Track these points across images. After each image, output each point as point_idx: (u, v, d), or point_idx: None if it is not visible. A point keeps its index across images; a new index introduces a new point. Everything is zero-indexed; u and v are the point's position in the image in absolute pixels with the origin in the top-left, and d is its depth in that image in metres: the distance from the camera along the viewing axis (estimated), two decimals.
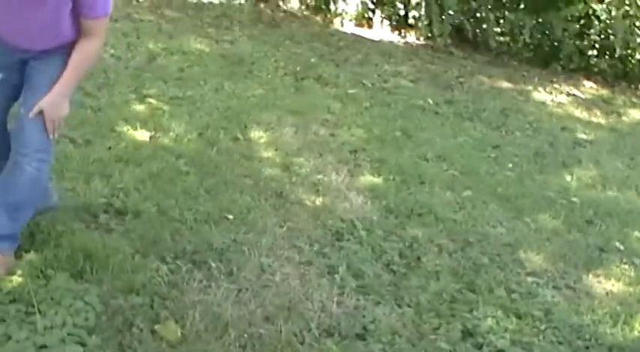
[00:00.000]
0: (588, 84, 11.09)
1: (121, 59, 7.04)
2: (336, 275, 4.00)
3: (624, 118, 9.10)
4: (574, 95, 9.70)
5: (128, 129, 5.33)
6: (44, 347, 2.83)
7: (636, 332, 4.08)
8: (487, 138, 7.02)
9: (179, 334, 3.17)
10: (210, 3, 11.11)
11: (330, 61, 8.77)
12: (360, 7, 11.57)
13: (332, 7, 11.69)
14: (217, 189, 4.70)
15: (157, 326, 3.19)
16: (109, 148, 4.93)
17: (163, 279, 3.56)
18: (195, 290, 3.56)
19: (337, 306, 3.73)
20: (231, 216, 4.38)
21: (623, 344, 3.93)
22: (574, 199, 5.81)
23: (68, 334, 2.95)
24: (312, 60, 8.51)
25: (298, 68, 8.01)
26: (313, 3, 11.73)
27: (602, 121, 8.71)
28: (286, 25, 10.61)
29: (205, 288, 3.59)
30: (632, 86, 11.56)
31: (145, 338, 3.10)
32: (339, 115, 6.74)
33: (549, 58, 11.70)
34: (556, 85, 10.32)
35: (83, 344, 2.92)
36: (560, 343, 3.82)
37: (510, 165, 6.35)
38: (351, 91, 7.60)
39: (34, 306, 3.04)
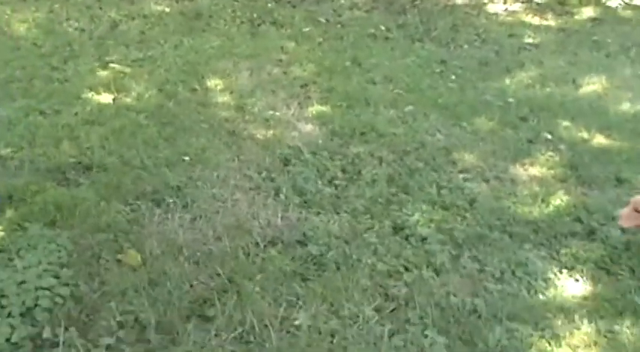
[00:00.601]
0: None
1: (84, 31, 7.51)
2: (281, 195, 4.53)
3: (575, 17, 9.44)
4: (529, 1, 10.01)
5: (93, 95, 5.85)
6: (23, 282, 3.41)
7: (552, 208, 4.61)
8: (434, 55, 7.45)
9: (139, 259, 3.75)
10: None
11: (287, 3, 9.15)
12: None
13: None
14: (175, 136, 5.23)
15: (120, 256, 3.77)
16: (76, 114, 5.46)
17: (125, 218, 4.13)
18: (154, 223, 4.13)
19: (281, 220, 4.28)
20: (187, 158, 4.92)
21: (539, 219, 4.46)
22: (510, 100, 6.28)
23: (44, 270, 3.52)
24: (269, 5, 8.90)
25: (255, 15, 8.42)
26: None
27: (552, 23, 9.07)
28: None
29: (163, 220, 4.16)
30: None
31: (110, 266, 3.68)
32: (292, 54, 7.20)
33: None
34: None
35: (57, 277, 3.51)
36: (480, 226, 4.34)
37: (453, 77, 6.81)
38: (305, 30, 8.03)
39: (14, 253, 3.61)
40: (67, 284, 3.46)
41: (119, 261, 3.73)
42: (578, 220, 4.48)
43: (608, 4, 10.32)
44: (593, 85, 6.87)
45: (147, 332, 3.27)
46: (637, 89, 6.81)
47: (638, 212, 3.90)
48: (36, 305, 3.28)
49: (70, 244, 3.79)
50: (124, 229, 4.00)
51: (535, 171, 5.08)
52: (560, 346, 3.37)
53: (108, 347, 3.15)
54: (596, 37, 8.44)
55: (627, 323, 3.53)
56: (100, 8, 8.33)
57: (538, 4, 10.08)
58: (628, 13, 9.79)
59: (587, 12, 9.67)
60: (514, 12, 9.45)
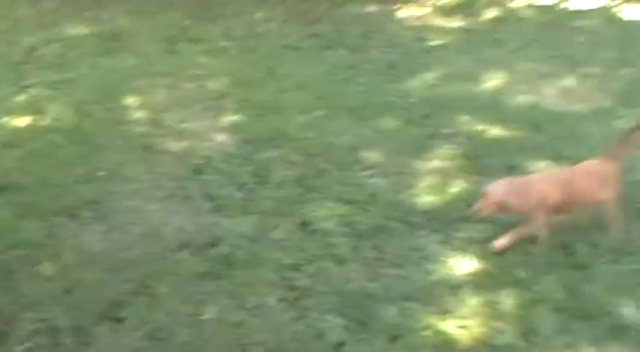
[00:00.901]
0: None
1: (2, 57, 7.63)
2: (192, 202, 4.79)
3: (480, 18, 9.91)
4: (435, 6, 10.46)
5: (10, 119, 6.01)
6: None
7: (448, 196, 4.96)
8: (344, 61, 7.79)
9: (54, 270, 3.95)
10: None
11: (204, 20, 9.40)
12: None
13: None
14: (91, 153, 5.44)
15: (35, 268, 3.96)
16: None
17: (42, 233, 4.33)
18: (70, 236, 4.34)
19: (193, 226, 4.53)
20: (102, 173, 5.13)
21: (435, 208, 4.80)
22: (414, 99, 6.65)
23: None
24: (186, 22, 9.14)
25: (172, 33, 8.64)
26: None
27: (458, 25, 9.52)
28: None
29: (78, 233, 4.37)
30: None
31: (26, 279, 3.89)
32: (208, 69, 7.45)
33: None
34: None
35: None
36: (380, 217, 4.67)
37: (362, 81, 7.15)
38: (220, 44, 8.29)
39: None
40: None
41: (35, 273, 3.92)
42: (471, 206, 4.81)
43: (511, 5, 10.86)
44: (493, 81, 7.28)
45: (61, 337, 3.47)
46: (533, 82, 7.25)
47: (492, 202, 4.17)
48: None
49: None
50: (40, 244, 4.20)
51: (435, 164, 5.43)
52: (447, 319, 3.68)
53: (25, 351, 3.34)
54: (498, 36, 8.88)
55: (508, 293, 3.86)
56: (18, 33, 8.43)
57: (446, 8, 10.53)
58: (528, 12, 10.31)
59: (491, 13, 10.15)
60: (423, 16, 9.86)
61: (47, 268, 3.95)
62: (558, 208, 4.30)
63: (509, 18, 9.78)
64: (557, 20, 9.73)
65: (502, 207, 4.19)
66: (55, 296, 3.71)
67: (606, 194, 4.36)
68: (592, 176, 4.41)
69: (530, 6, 10.49)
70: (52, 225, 4.41)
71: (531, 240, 4.26)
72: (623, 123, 6.11)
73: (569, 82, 7.33)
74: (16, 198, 4.68)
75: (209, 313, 3.67)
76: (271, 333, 3.54)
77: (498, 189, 4.22)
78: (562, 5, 10.69)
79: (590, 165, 4.55)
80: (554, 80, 7.35)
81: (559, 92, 7.02)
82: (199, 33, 8.59)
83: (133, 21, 9.12)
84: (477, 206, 4.21)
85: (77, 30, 8.72)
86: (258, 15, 9.65)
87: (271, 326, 3.60)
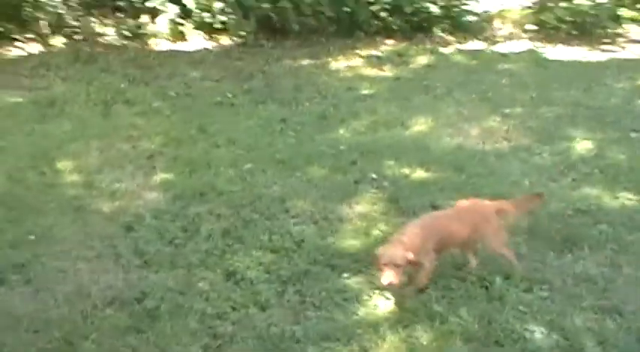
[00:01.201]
0: (390, 42, 12.27)
1: None
2: (122, 259, 4.88)
3: (411, 66, 10.31)
4: (371, 56, 10.84)
5: None
6: None
7: (371, 238, 5.14)
8: (275, 115, 8.02)
9: None
10: (30, 54, 11.70)
11: (140, 82, 9.59)
12: (169, 24, 12.37)
13: (145, 29, 12.44)
14: (22, 217, 5.50)
15: None
16: None
17: None
18: None
19: (122, 282, 4.61)
20: (32, 237, 5.19)
21: (359, 250, 4.97)
22: (342, 147, 6.88)
23: None
24: (122, 85, 9.31)
25: (108, 96, 8.79)
26: (127, 32, 12.46)
27: (390, 74, 9.88)
28: (103, 58, 11.30)
29: (5, 298, 4.42)
30: (429, 35, 12.80)
31: None
32: (142, 129, 7.60)
33: (351, 28, 12.82)
34: (357, 51, 11.44)
35: None
36: (305, 263, 4.82)
37: (292, 133, 7.38)
38: (155, 105, 8.47)
39: None
40: None
41: None
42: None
43: (443, 50, 11.31)
44: (419, 126, 7.58)
45: None
46: (457, 125, 7.57)
47: (386, 265, 4.14)
48: None
49: None
50: None
51: (360, 208, 5.63)
52: None
53: None
54: (427, 82, 9.25)
55: (425, 327, 4.03)
56: None
57: (378, 57, 10.91)
58: (458, 58, 10.75)
59: (423, 60, 10.55)
60: (354, 67, 10.21)
61: None
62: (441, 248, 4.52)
63: (439, 64, 10.20)
64: (485, 64, 10.19)
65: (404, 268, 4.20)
66: None
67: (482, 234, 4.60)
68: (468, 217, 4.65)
69: (460, 51, 10.94)
70: None
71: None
72: (540, 160, 6.42)
73: (491, 122, 7.68)
74: None
75: None
76: None
77: (392, 253, 4.19)
78: (491, 49, 11.19)
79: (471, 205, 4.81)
80: (477, 122, 7.69)
81: (481, 133, 7.34)
82: (134, 95, 8.76)
83: (70, 87, 9.27)
84: (385, 278, 4.14)
85: (13, 98, 8.79)
86: (193, 74, 9.89)
87: None
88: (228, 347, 3.92)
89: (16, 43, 11.73)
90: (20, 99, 8.72)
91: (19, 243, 5.07)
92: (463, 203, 4.83)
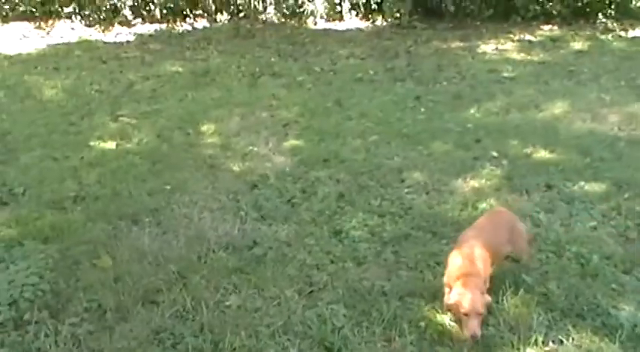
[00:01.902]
0: (547, 27, 12.06)
1: (103, 92, 8.60)
2: (241, 212, 5.34)
3: (562, 51, 10.10)
4: (523, 40, 10.74)
5: (99, 143, 6.84)
6: (13, 281, 4.29)
7: (478, 211, 5.27)
8: (411, 92, 8.24)
9: (110, 263, 4.60)
10: (194, 29, 12.63)
11: (289, 57, 10.13)
12: (326, 3, 12.87)
13: (304, 8, 13.02)
14: (162, 171, 6.12)
15: (95, 261, 4.63)
16: (82, 158, 6.44)
17: (106, 234, 5.00)
18: (130, 237, 4.98)
19: (238, 231, 5.07)
20: (168, 187, 5.79)
21: (463, 221, 5.12)
22: (469, 126, 6.99)
23: (31, 273, 4.40)
24: (272, 59, 9.89)
25: (257, 69, 9.39)
26: (286, 10, 13.11)
27: (536, 58, 9.75)
28: (260, 34, 12.03)
29: (137, 235, 5.01)
30: (591, 21, 12.43)
31: (85, 268, 4.54)
32: (282, 100, 8.09)
33: (508, 12, 12.71)
34: (511, 35, 11.36)
35: (41, 277, 4.38)
36: (408, 228, 5.05)
37: (423, 110, 7.56)
38: (299, 78, 8.94)
39: (9, 262, 4.52)
40: (48, 282, 4.32)
41: (94, 264, 4.57)
42: None
43: (601, 37, 10.95)
44: (554, 110, 7.50)
45: (106, 314, 4.08)
46: (595, 111, 7.42)
47: (467, 315, 3.67)
48: (21, 297, 4.14)
49: (57, 254, 4.67)
50: (103, 242, 4.86)
51: (474, 183, 5.75)
52: (445, 314, 4.01)
53: (72, 324, 3.97)
54: (573, 68, 9.06)
55: (509, 293, 4.15)
56: (121, 71, 9.44)
57: (530, 42, 10.77)
58: (615, 44, 10.39)
59: (576, 46, 10.31)
60: (503, 51, 10.16)
61: (104, 261, 4.57)
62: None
63: (593, 50, 9.93)
64: None
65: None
66: (105, 283, 4.32)
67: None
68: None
69: (619, 37, 10.55)
70: (116, 228, 5.05)
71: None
72: None
73: (633, 109, 7.43)
74: (90, 206, 5.37)
75: (232, 300, 4.15)
76: (283, 318, 3.99)
77: (473, 300, 3.70)
78: None
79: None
80: (618, 108, 7.50)
81: (620, 119, 7.16)
82: (281, 68, 9.27)
83: (225, 59, 9.95)
84: (471, 329, 3.65)
85: (173, 68, 9.59)
86: (341, 52, 10.26)
87: (284, 313, 4.04)
88: (320, 294, 4.22)
89: (187, 19, 12.66)
90: (180, 69, 9.48)
91: (155, 192, 5.65)
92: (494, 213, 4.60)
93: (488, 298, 3.77)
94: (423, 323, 3.96)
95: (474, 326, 3.61)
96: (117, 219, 5.20)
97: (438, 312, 4.03)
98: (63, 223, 5.08)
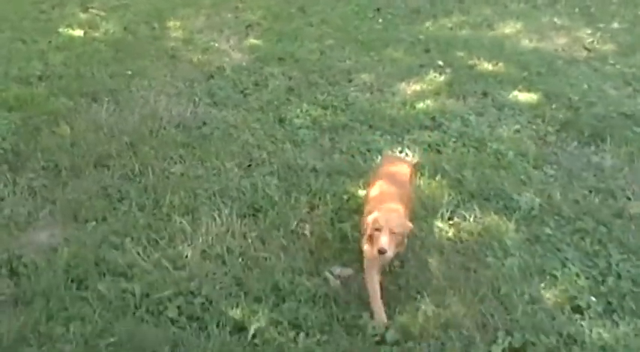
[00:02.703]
0: None
1: None
2: (196, 97, 5.74)
3: None
4: None
5: (68, 30, 7.14)
6: None
7: (415, 110, 5.71)
8: (373, 4, 8.53)
9: (68, 131, 5.00)
10: None
11: None
12: None
13: None
14: (125, 58, 6.46)
15: (55, 129, 5.03)
16: (49, 42, 6.75)
17: (67, 107, 5.38)
18: (89, 112, 5.37)
19: (190, 114, 5.47)
20: (129, 72, 6.15)
21: (399, 117, 5.56)
22: (421, 37, 7.36)
23: None
24: None
25: None
26: None
27: None
28: None
29: (96, 110, 5.39)
30: None
31: (45, 134, 4.94)
32: (248, 3, 8.38)
33: None
34: None
35: (4, 139, 4.79)
36: (347, 119, 5.48)
37: (381, 21, 7.91)
38: None
39: None
40: (9, 144, 4.72)
41: (53, 132, 4.97)
42: (432, 119, 5.57)
43: None
44: (506, 29, 7.88)
45: (61, 172, 4.50)
46: (544, 33, 7.80)
47: (378, 230, 3.35)
48: None
49: (20, 121, 5.07)
50: (64, 114, 5.26)
51: (416, 86, 6.17)
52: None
53: (29, 178, 4.40)
54: None
55: (427, 180, 4.63)
56: None
57: None
58: None
59: None
60: None
61: (63, 130, 4.98)
62: None
63: None
64: None
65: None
66: (62, 147, 4.73)
67: None
68: None
69: None
70: (76, 103, 5.45)
71: None
72: (612, 69, 6.62)
73: (580, 33, 7.81)
74: (53, 84, 5.74)
75: (176, 168, 4.59)
76: (222, 184, 4.44)
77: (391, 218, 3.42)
78: None
79: None
80: (566, 32, 7.87)
81: (565, 42, 7.54)
82: None
83: None
84: (383, 240, 3.33)
85: None
86: None
87: (223, 181, 4.49)
88: (257, 168, 4.67)
89: None
90: None
91: (116, 75, 6.02)
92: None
93: (409, 224, 3.44)
94: (345, 196, 4.40)
95: (384, 240, 3.28)
96: (78, 96, 5.58)
97: (360, 188, 4.48)
98: (27, 96, 5.45)
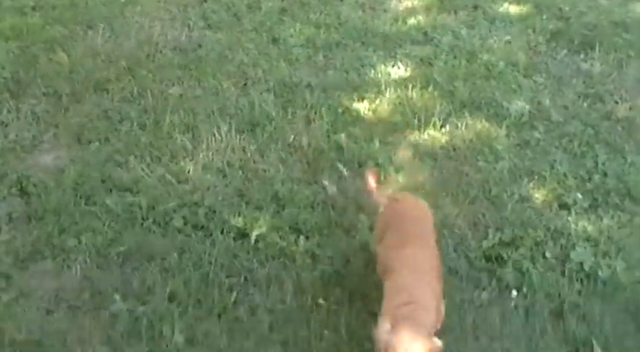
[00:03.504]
0: None
1: None
2: (190, 22, 5.79)
3: None
4: None
5: None
6: None
7: (407, 26, 5.76)
8: None
9: (66, 58, 5.09)
10: None
11: None
12: None
13: None
14: None
15: (53, 56, 5.11)
16: None
17: (62, 35, 5.45)
18: (85, 39, 5.43)
19: (185, 37, 5.54)
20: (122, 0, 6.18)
21: (392, 33, 5.62)
22: None
23: None
24: None
25: None
26: None
27: None
28: None
29: (92, 37, 5.46)
30: None
31: (43, 62, 5.03)
32: None
33: None
34: None
35: (3, 68, 4.89)
36: (340, 37, 5.54)
37: None
38: None
39: None
40: (9, 72, 4.82)
41: (51, 59, 5.06)
42: (424, 34, 5.63)
43: None
44: None
45: (61, 98, 4.62)
46: None
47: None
48: None
49: (17, 50, 5.15)
50: (60, 42, 5.32)
51: (408, 3, 6.19)
52: (362, 102, 4.61)
53: (31, 104, 4.52)
54: None
55: (419, 90, 4.74)
56: None
57: None
58: None
59: None
60: None
61: (61, 57, 5.06)
62: None
63: None
64: None
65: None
66: (61, 74, 4.83)
67: None
68: None
69: None
70: (72, 31, 5.50)
71: None
72: None
73: None
74: (48, 13, 5.78)
75: (174, 89, 4.71)
76: (218, 104, 4.56)
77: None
78: None
79: None
80: None
81: None
82: None
83: None
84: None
85: None
86: None
87: (220, 100, 4.61)
88: (253, 86, 4.78)
89: None
90: None
91: (110, 3, 6.04)
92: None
93: (439, 343, 2.54)
94: (340, 109, 4.53)
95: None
96: (73, 24, 5.62)
97: (354, 101, 4.60)
98: (22, 25, 5.51)
